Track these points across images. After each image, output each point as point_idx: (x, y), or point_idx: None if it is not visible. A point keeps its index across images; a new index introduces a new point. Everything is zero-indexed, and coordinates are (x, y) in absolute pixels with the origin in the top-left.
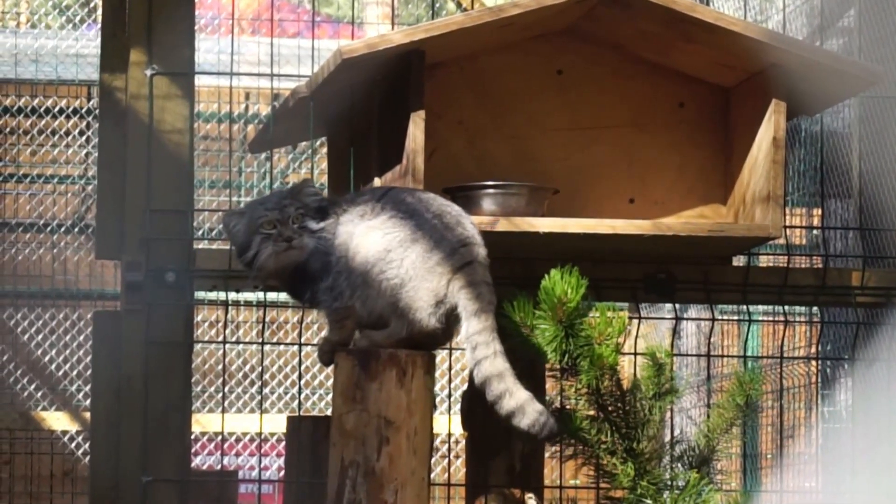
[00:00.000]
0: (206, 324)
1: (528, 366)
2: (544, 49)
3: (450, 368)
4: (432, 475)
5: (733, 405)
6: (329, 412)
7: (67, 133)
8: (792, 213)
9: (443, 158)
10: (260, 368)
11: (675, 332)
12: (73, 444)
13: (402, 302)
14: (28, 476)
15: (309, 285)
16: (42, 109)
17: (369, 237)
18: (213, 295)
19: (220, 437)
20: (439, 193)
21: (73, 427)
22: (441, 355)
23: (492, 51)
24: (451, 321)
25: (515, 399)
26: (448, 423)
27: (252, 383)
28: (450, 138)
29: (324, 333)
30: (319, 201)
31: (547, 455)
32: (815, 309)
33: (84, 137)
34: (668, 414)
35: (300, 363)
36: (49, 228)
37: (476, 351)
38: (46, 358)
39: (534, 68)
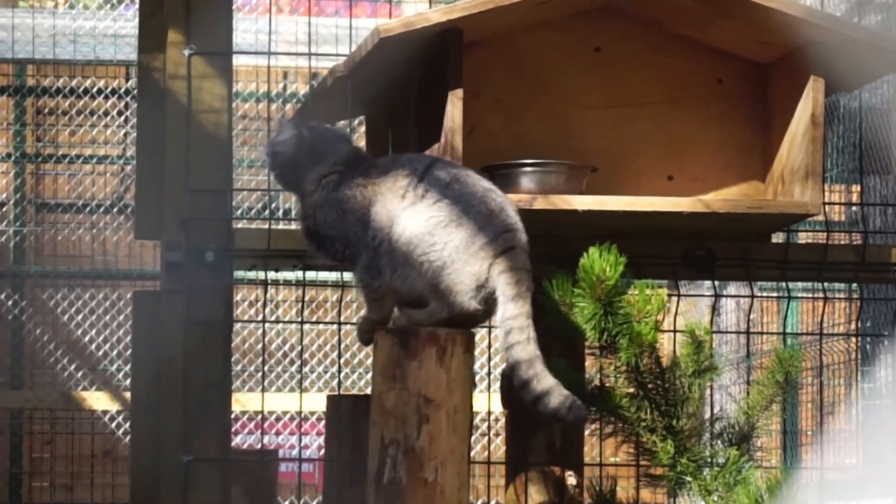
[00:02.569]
0: (246, 303)
1: (567, 344)
2: (582, 26)
3: (489, 346)
4: (472, 453)
5: (773, 382)
6: (369, 391)
7: (106, 113)
8: (831, 189)
9: (481, 136)
10: (300, 347)
11: (715, 309)
12: (114, 424)
13: (444, 284)
14: (69, 456)
15: (326, 246)
16: (80, 90)
17: (414, 220)
18: (252, 274)
19: (260, 417)
20: (477, 172)
21: (113, 407)
22: (480, 333)
23: (529, 29)
24: (490, 303)
25: (542, 384)
26: (488, 401)
27: (292, 362)
28: (488, 116)
29: (363, 313)
30: None
31: (587, 433)
32: (854, 285)
33: (122, 118)
34: (708, 391)
35: (340, 342)
36: (88, 209)
37: (510, 336)
38: (86, 338)
39: (571, 46)
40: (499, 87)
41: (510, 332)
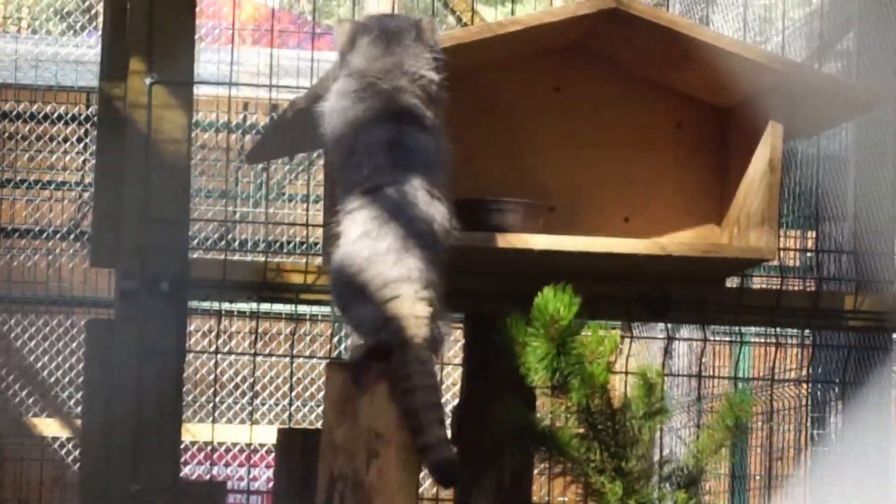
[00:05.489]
0: (199, 333)
1: (519, 382)
2: (544, 66)
3: (441, 383)
4: (421, 489)
5: (723, 426)
6: (320, 425)
7: (65, 139)
8: (786, 234)
9: None
10: (251, 379)
11: (667, 352)
12: (64, 451)
13: (348, 323)
14: (18, 482)
15: None
16: (41, 115)
17: (337, 255)
18: (206, 304)
19: (210, 447)
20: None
21: (63, 434)
22: None
23: (491, 67)
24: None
25: (426, 438)
26: None
27: (243, 394)
28: None
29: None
30: None
31: (536, 472)
32: (806, 331)
33: (82, 144)
34: (658, 433)
35: (292, 375)
36: (45, 234)
37: (401, 382)
38: (39, 364)
39: (533, 85)
40: (459, 124)
41: (401, 378)
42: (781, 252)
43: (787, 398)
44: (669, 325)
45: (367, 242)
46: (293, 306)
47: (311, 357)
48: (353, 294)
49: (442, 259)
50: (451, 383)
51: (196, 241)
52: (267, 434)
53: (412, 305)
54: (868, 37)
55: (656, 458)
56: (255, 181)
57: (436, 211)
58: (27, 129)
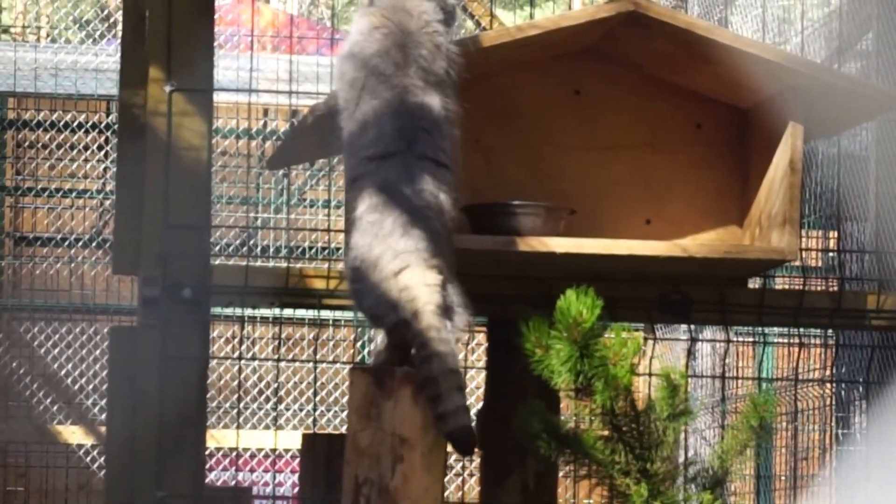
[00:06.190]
0: (223, 339)
1: (543, 385)
2: (563, 68)
3: (465, 386)
4: (446, 493)
5: (747, 427)
6: (344, 429)
7: (86, 147)
8: (808, 235)
9: None
10: (275, 385)
11: (690, 353)
12: (89, 458)
13: (365, 314)
14: (43, 489)
15: None
16: (61, 124)
17: (350, 239)
18: (229, 311)
19: (234, 453)
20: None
21: (88, 441)
22: None
23: (510, 69)
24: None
25: (445, 405)
26: None
27: (267, 399)
28: (467, 157)
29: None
30: None
31: (561, 474)
32: (829, 331)
33: (102, 152)
34: (683, 435)
35: (315, 380)
36: (67, 243)
37: (419, 351)
38: (62, 372)
39: (552, 87)
40: (478, 127)
41: (420, 346)
42: (803, 252)
43: (811, 398)
44: (692, 327)
45: (374, 217)
46: (316, 311)
47: (334, 362)
48: (365, 276)
49: (449, 228)
50: (475, 387)
51: (218, 248)
52: (291, 439)
53: (422, 273)
54: (887, 37)
55: (681, 459)
56: (275, 187)
57: (441, 179)
58: (48, 137)
